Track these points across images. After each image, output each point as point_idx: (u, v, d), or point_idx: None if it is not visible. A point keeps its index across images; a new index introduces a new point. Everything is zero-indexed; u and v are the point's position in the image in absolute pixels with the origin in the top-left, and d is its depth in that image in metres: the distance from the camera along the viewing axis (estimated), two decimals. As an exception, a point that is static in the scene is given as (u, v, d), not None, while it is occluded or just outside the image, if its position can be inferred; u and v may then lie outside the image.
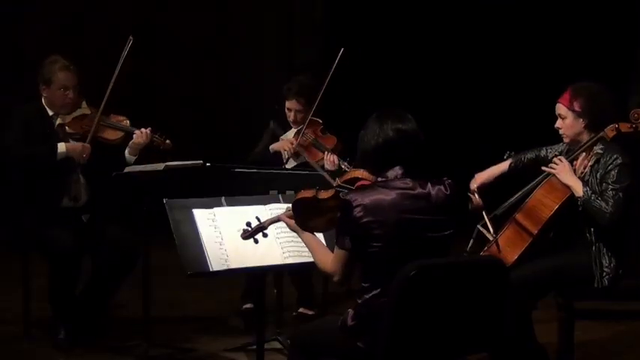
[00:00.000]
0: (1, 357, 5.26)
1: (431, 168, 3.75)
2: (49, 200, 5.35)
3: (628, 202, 4.52)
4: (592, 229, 4.58)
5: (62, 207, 5.39)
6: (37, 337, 5.50)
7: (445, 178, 3.73)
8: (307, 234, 3.87)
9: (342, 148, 5.81)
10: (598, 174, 4.57)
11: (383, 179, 3.69)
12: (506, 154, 4.99)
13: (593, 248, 4.57)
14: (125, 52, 5.34)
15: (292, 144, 5.83)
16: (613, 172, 4.52)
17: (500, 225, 4.76)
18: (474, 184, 4.91)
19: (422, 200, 3.64)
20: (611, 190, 4.49)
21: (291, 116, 5.92)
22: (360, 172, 3.85)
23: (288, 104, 5.92)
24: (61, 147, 5.31)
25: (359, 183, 3.81)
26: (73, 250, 5.20)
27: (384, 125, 3.68)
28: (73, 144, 5.34)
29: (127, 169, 5.23)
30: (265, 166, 5.61)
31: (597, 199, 4.50)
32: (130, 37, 5.33)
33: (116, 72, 5.33)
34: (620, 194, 4.48)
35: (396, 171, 3.67)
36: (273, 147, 5.94)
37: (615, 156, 4.54)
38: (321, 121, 5.95)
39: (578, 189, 4.54)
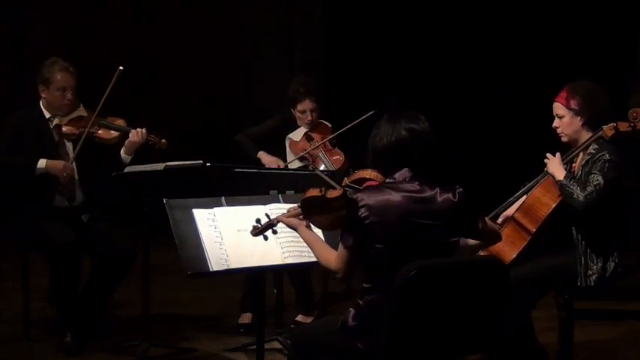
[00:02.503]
0: (1, 357, 5.25)
1: (444, 172, 3.73)
2: (42, 199, 5.34)
3: (609, 192, 4.48)
4: (578, 228, 4.59)
5: (59, 206, 5.39)
6: (37, 337, 5.50)
7: (457, 187, 3.70)
8: (307, 231, 3.88)
9: (348, 167, 5.70)
10: (585, 171, 4.56)
11: (391, 180, 3.69)
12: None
13: (580, 247, 4.59)
14: (114, 80, 5.29)
15: (302, 150, 5.77)
16: (598, 164, 4.51)
17: (500, 224, 4.76)
18: None
19: (428, 204, 3.63)
20: (592, 175, 4.48)
21: (307, 117, 5.85)
22: (369, 173, 3.84)
23: (301, 107, 5.84)
24: (42, 163, 5.28)
25: (367, 183, 3.80)
26: (73, 245, 5.20)
27: (397, 124, 3.68)
28: (54, 161, 5.31)
29: (126, 169, 5.23)
30: (264, 167, 5.62)
31: (574, 184, 4.50)
32: (120, 67, 5.28)
33: (109, 88, 5.31)
34: (601, 180, 4.46)
35: (405, 173, 3.67)
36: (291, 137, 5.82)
37: (603, 153, 4.53)
38: (330, 125, 5.92)
39: (560, 175, 4.56)
